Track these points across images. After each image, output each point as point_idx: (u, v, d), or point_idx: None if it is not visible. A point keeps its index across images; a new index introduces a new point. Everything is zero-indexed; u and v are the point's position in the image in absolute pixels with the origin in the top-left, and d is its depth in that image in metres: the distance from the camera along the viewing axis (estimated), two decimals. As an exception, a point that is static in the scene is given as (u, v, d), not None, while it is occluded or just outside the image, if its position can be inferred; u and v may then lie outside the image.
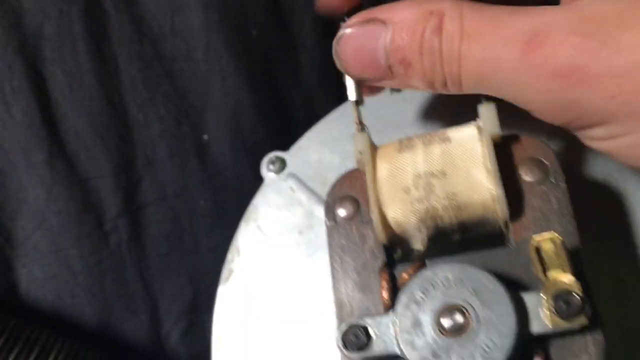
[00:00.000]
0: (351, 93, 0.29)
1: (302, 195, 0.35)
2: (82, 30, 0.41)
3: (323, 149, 0.35)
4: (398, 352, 0.24)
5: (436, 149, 0.26)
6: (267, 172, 0.36)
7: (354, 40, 0.27)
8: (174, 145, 0.42)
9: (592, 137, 0.26)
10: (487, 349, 0.23)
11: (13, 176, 0.41)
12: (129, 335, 0.43)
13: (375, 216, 0.26)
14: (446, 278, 0.24)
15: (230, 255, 0.35)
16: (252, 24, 0.43)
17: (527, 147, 0.26)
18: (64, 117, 0.41)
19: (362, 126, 0.28)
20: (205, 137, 0.43)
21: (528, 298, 0.24)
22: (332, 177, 0.32)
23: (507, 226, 0.26)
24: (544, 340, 0.24)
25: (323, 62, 0.44)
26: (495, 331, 0.23)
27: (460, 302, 0.24)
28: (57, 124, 0.41)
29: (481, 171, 0.25)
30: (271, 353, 0.32)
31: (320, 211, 0.34)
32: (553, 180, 0.25)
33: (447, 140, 0.26)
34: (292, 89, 0.44)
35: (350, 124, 0.30)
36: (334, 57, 0.28)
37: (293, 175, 0.35)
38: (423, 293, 0.24)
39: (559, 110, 0.25)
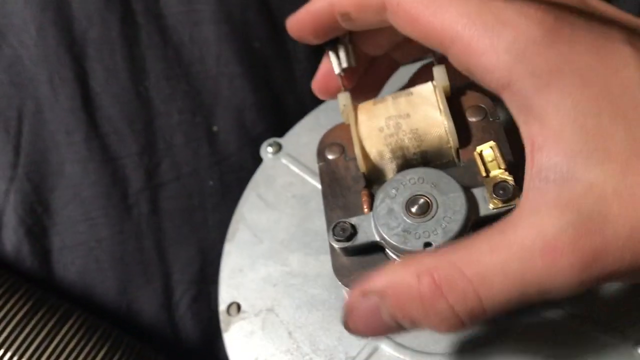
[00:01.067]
0: (335, 66, 0.33)
1: (296, 169, 0.38)
2: (118, 35, 0.45)
3: (312, 134, 0.39)
4: (377, 238, 0.28)
5: (402, 99, 0.31)
6: (265, 153, 0.40)
7: (360, 317, 0.27)
8: (189, 134, 0.46)
9: None
10: (445, 223, 0.27)
11: (55, 153, 0.44)
12: (144, 301, 0.46)
13: (357, 149, 0.31)
14: (412, 178, 0.29)
15: (234, 220, 0.38)
16: (255, 38, 0.47)
17: (471, 97, 0.31)
18: (100, 105, 0.45)
19: (345, 88, 0.33)
20: (215, 128, 0.46)
21: (475, 191, 0.28)
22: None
23: (457, 153, 0.30)
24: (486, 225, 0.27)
25: (312, 72, 0.45)
26: (451, 210, 0.28)
27: (424, 193, 0.28)
28: (94, 110, 0.45)
29: (436, 112, 0.30)
30: (275, 296, 0.35)
31: (311, 180, 0.38)
32: (491, 119, 0.30)
33: (410, 93, 0.31)
34: (287, 92, 0.47)
35: (332, 116, 0.35)
36: (344, 325, 0.27)
37: (288, 155, 0.39)
38: (395, 190, 0.29)
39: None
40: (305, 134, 0.40)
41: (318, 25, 0.31)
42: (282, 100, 0.47)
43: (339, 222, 0.29)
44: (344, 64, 0.33)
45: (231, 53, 0.46)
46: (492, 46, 0.25)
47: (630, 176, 0.22)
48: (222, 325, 0.35)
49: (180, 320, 0.46)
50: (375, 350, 0.32)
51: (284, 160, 0.39)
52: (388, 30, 0.29)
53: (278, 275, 0.35)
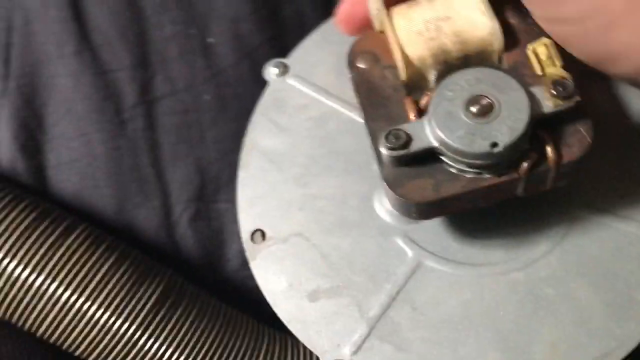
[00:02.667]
0: None
1: (308, 90, 0.36)
2: None
3: (320, 52, 0.37)
4: (436, 143, 0.27)
5: (439, 2, 0.29)
6: (270, 75, 0.37)
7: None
8: (183, 46, 0.44)
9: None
10: (510, 122, 0.26)
11: (46, 66, 0.43)
12: (142, 219, 0.45)
13: (398, 55, 0.29)
14: (468, 79, 0.27)
15: (246, 147, 0.36)
16: None
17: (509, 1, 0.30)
18: (91, 15, 0.43)
19: None
20: (210, 40, 0.44)
21: (533, 89, 0.27)
22: (330, 74, 0.36)
23: (501, 56, 0.29)
24: (546, 126, 0.27)
25: None
26: (515, 108, 0.26)
27: (484, 93, 0.26)
28: (85, 21, 0.43)
29: (478, 13, 0.29)
30: (302, 220, 0.34)
31: (326, 101, 0.36)
32: (530, 22, 0.29)
33: None
34: (285, 2, 0.46)
35: (339, 35, 0.32)
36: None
37: (296, 76, 0.37)
38: (451, 91, 0.27)
39: None
40: (313, 53, 0.38)
41: None
42: (280, 10, 0.46)
43: (391, 130, 0.27)
44: None
45: None
46: None
47: None
48: (248, 254, 0.33)
49: (181, 239, 0.46)
50: (418, 265, 0.31)
51: (292, 82, 0.37)
52: None
53: (303, 200, 0.34)
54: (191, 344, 0.41)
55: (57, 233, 0.41)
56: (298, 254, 0.32)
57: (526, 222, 0.31)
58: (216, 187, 0.46)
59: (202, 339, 0.41)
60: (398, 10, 0.30)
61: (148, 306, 0.41)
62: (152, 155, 0.44)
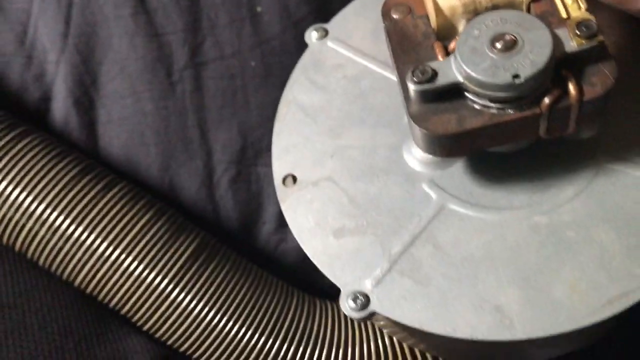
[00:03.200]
0: None
1: (345, 51, 0.38)
2: None
3: (358, 19, 0.39)
4: (460, 78, 0.28)
5: None
6: (311, 38, 0.40)
7: None
8: (233, 13, 0.46)
9: None
10: (532, 56, 0.27)
11: (104, 26, 0.45)
12: (185, 178, 0.47)
13: (429, 4, 0.30)
14: (494, 19, 0.28)
15: (283, 102, 0.38)
16: None
17: None
18: None
19: None
20: (259, 9, 0.46)
21: (557, 31, 0.28)
22: (366, 38, 0.38)
23: (528, 6, 0.29)
24: (570, 67, 0.27)
25: None
26: (538, 45, 0.27)
27: (508, 31, 0.27)
28: None
29: None
30: (332, 166, 0.35)
31: (361, 61, 0.38)
32: None
33: None
34: None
35: (377, 3, 0.33)
36: None
37: (335, 39, 0.39)
38: (477, 30, 0.28)
39: None
40: (352, 19, 0.40)
41: None
42: None
43: (417, 66, 0.28)
44: None
45: None
46: None
47: None
48: (279, 196, 0.35)
49: (221, 200, 0.47)
50: (441, 208, 0.32)
51: (331, 44, 0.39)
52: None
53: (334, 148, 0.35)
54: (222, 298, 0.42)
55: (97, 188, 0.43)
56: (326, 196, 0.34)
57: (552, 169, 0.32)
58: (257, 151, 0.47)
59: (233, 295, 0.43)
60: None
61: (181, 261, 0.42)
62: (198, 117, 0.46)
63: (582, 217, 0.30)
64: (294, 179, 0.35)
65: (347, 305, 0.30)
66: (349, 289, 0.31)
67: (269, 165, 0.47)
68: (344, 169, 0.34)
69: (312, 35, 0.39)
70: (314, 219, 0.33)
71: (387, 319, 0.31)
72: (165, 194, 0.47)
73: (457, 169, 0.33)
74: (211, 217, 0.48)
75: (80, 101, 0.46)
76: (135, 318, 0.43)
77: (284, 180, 0.35)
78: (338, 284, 0.31)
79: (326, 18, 0.45)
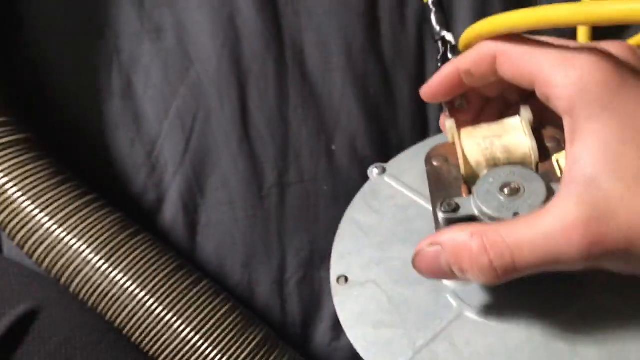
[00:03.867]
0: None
1: (397, 186, 0.45)
2: (272, 71, 0.54)
3: (411, 162, 0.46)
4: (476, 212, 0.35)
5: (495, 126, 0.39)
6: (372, 173, 0.46)
7: (424, 261, 0.34)
8: (313, 149, 0.55)
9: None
10: (530, 201, 0.34)
11: (215, 149, 0.53)
12: (262, 274, 0.54)
13: (460, 158, 0.38)
14: (505, 171, 0.36)
15: (345, 220, 0.44)
16: (371, 85, 0.56)
17: (549, 130, 0.39)
18: (253, 119, 0.54)
19: (450, 117, 0.41)
20: (333, 147, 0.55)
21: (552, 185, 0.35)
22: (416, 177, 0.44)
23: (537, 166, 0.37)
24: None
25: (413, 117, 0.56)
26: (535, 193, 0.34)
27: (514, 181, 0.35)
28: (248, 122, 0.53)
29: (523, 135, 0.37)
30: (377, 272, 0.40)
31: (410, 194, 0.44)
32: (563, 146, 0.36)
33: (502, 123, 0.39)
34: (391, 128, 0.56)
35: (427, 151, 0.41)
36: (412, 265, 0.35)
37: (391, 175, 0.46)
38: (492, 178, 0.36)
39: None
40: (406, 162, 0.47)
41: (447, 86, 0.38)
42: (386, 133, 0.56)
43: (445, 200, 0.36)
44: (457, 103, 0.42)
45: (352, 94, 0.55)
46: (562, 81, 0.31)
47: (635, 189, 0.29)
48: (333, 291, 0.40)
49: (288, 296, 0.54)
50: (459, 314, 0.37)
51: (387, 179, 0.46)
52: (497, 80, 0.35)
53: (380, 259, 0.41)
54: None
55: (188, 281, 0.50)
56: (370, 295, 0.40)
57: (548, 293, 0.38)
58: (322, 258, 0.55)
59: None
60: (465, 129, 0.41)
61: (248, 350, 0.49)
62: (279, 226, 0.54)
63: (571, 334, 0.36)
64: (346, 279, 0.41)
65: None
66: None
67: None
68: (386, 275, 0.41)
69: (373, 171, 0.46)
70: (358, 312, 0.40)
71: None
72: (245, 287, 0.55)
73: (476, 286, 0.39)
74: (278, 310, 0.55)
75: (187, 206, 0.54)
76: None
77: (338, 279, 0.42)
78: None
79: (384, 158, 0.53)
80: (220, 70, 0.54)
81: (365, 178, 0.55)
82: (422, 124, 0.58)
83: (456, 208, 0.36)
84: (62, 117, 0.54)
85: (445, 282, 0.40)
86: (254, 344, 0.50)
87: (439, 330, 0.38)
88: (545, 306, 0.38)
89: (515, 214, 0.35)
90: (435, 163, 0.40)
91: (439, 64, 0.41)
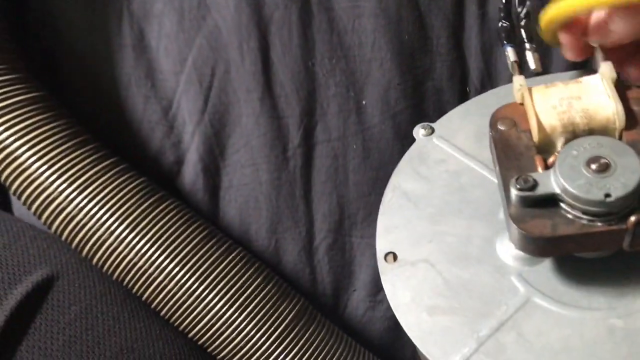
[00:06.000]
0: (511, 55, 0.38)
1: (449, 149, 0.41)
2: (296, 19, 0.48)
3: (462, 121, 0.42)
4: (558, 190, 0.31)
5: (573, 85, 0.34)
6: (419, 134, 0.42)
7: None
8: (342, 104, 0.50)
9: None
10: (624, 180, 0.30)
11: (235, 106, 0.49)
12: (289, 241, 0.51)
13: (533, 122, 0.33)
14: (591, 143, 0.32)
15: (389, 188, 0.40)
16: (405, 31, 0.50)
17: (634, 91, 0.34)
18: (276, 72, 0.49)
19: (519, 71, 0.36)
20: (364, 101, 0.51)
21: None
22: (469, 139, 0.41)
23: (621, 133, 0.33)
24: None
25: (451, 66, 0.52)
26: (629, 170, 0.30)
27: (603, 155, 0.31)
28: (271, 76, 0.49)
29: (605, 97, 0.33)
30: (430, 250, 0.37)
31: (463, 159, 0.40)
32: None
33: (579, 82, 0.35)
34: (427, 79, 0.51)
35: (480, 108, 0.38)
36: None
37: (440, 137, 0.42)
38: (576, 151, 0.31)
39: None
40: (457, 121, 0.43)
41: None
42: (421, 85, 0.51)
43: (521, 175, 0.32)
44: (532, 66, 0.37)
45: (384, 42, 0.50)
46: None
47: None
48: (380, 270, 0.37)
49: (318, 264, 0.51)
50: (527, 300, 0.34)
51: (436, 141, 0.42)
52: None
53: (432, 234, 0.38)
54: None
55: (220, 251, 0.47)
56: (423, 276, 0.36)
57: (630, 277, 0.34)
58: (352, 223, 0.51)
59: (329, 357, 0.46)
60: (537, 88, 0.35)
61: (285, 322, 0.46)
62: (305, 189, 0.50)
63: None
64: (395, 256, 0.38)
65: None
66: None
67: (362, 236, 0.51)
68: (440, 253, 0.37)
69: (419, 132, 0.42)
70: (410, 295, 0.36)
71: None
72: (271, 254, 0.51)
73: (544, 267, 0.35)
74: (308, 279, 0.51)
75: (208, 167, 0.50)
76: None
77: (385, 257, 0.38)
78: (429, 357, 0.34)
79: (420, 113, 0.50)
80: (239, 18, 0.49)
81: (398, 135, 0.50)
82: (461, 74, 0.52)
83: (534, 185, 0.31)
84: (71, 75, 0.51)
85: (510, 262, 0.36)
86: (291, 316, 0.47)
87: (505, 318, 0.34)
88: (624, 291, 0.34)
89: (607, 195, 0.30)
90: (501, 127, 0.35)
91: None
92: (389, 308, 0.51)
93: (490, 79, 0.52)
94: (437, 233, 0.38)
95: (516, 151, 0.34)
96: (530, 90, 0.35)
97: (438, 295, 0.36)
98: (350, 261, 0.51)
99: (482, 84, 0.52)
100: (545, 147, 0.34)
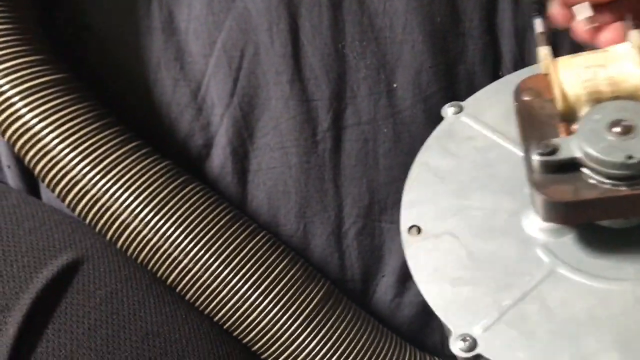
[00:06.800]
0: (538, 27, 0.36)
1: (477, 126, 0.41)
2: (326, 1, 0.48)
3: (490, 100, 0.42)
4: (579, 154, 0.30)
5: (599, 54, 0.33)
6: (447, 113, 0.42)
7: None
8: (372, 87, 0.49)
9: None
10: None
11: (265, 89, 0.49)
12: (318, 225, 0.50)
13: (556, 90, 0.33)
14: (614, 106, 0.31)
15: (416, 164, 0.40)
16: (437, 14, 0.49)
17: None
18: (306, 55, 0.48)
19: (546, 42, 0.35)
20: (395, 84, 0.50)
21: None
22: (498, 117, 0.40)
23: None
24: None
25: (484, 49, 0.50)
26: None
27: (626, 118, 0.30)
28: (300, 58, 0.48)
29: (633, 65, 0.32)
30: (455, 223, 0.37)
31: (491, 136, 0.40)
32: None
33: (606, 51, 0.34)
34: (459, 62, 0.50)
35: (509, 88, 0.36)
36: None
37: (469, 115, 0.41)
38: (598, 115, 0.31)
39: None
40: (485, 100, 0.42)
41: None
42: (453, 68, 0.50)
43: (542, 140, 0.31)
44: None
45: (416, 24, 0.49)
46: None
47: None
48: (404, 243, 0.37)
49: (347, 249, 0.50)
50: (552, 271, 0.33)
51: (464, 119, 0.41)
52: None
53: (458, 207, 0.37)
54: (343, 346, 0.45)
55: (244, 234, 0.47)
56: (447, 248, 0.36)
57: None
58: (382, 208, 0.50)
59: (354, 342, 0.45)
60: (562, 59, 0.34)
61: (311, 306, 0.45)
62: (334, 173, 0.50)
63: None
64: (419, 229, 0.37)
65: (456, 346, 0.32)
66: (460, 331, 0.32)
67: (392, 221, 0.50)
68: (465, 226, 0.36)
69: (448, 110, 0.42)
70: (434, 267, 0.35)
71: None
72: (299, 239, 0.50)
73: (570, 239, 0.34)
74: (336, 264, 0.50)
75: (236, 151, 0.50)
76: (265, 355, 0.46)
77: (409, 230, 0.37)
78: (449, 326, 0.33)
79: (452, 96, 0.49)
80: (269, 0, 0.49)
81: (430, 117, 0.49)
82: (494, 58, 0.51)
83: (555, 150, 0.30)
84: (99, 57, 0.51)
85: (535, 234, 0.35)
86: (317, 299, 0.46)
87: (529, 288, 0.33)
88: None
89: (630, 157, 0.29)
90: (525, 97, 0.35)
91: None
92: (417, 294, 0.50)
93: (524, 63, 0.50)
94: (462, 207, 0.37)
95: (539, 120, 0.33)
96: (555, 60, 0.34)
97: (461, 267, 0.35)
98: (379, 247, 0.50)
99: (515, 68, 0.50)
100: (569, 116, 0.33)
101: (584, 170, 0.30)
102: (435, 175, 0.39)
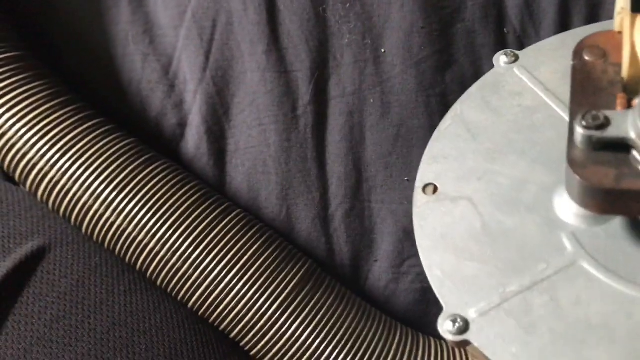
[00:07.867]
0: None
1: (528, 82, 0.36)
2: None
3: (552, 54, 0.38)
4: (633, 135, 0.26)
5: None
6: (499, 62, 0.38)
7: None
8: (357, 54, 0.45)
9: None
10: None
11: (239, 61, 0.45)
12: (302, 208, 0.47)
13: (626, 54, 0.28)
14: None
15: (450, 114, 0.36)
16: None
17: None
18: (283, 21, 0.45)
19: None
20: (383, 50, 0.45)
21: None
22: (556, 74, 0.36)
23: None
24: None
25: (485, 4, 0.45)
26: None
27: None
28: (277, 26, 0.45)
29: None
30: (477, 188, 0.33)
31: (542, 95, 0.36)
32: None
33: None
34: (456, 21, 0.45)
35: (562, 50, 0.34)
36: None
37: (522, 67, 0.37)
38: None
39: None
40: (546, 53, 0.38)
41: None
42: (449, 27, 0.46)
43: (590, 111, 0.26)
44: None
45: None
46: None
47: None
48: (415, 199, 0.33)
49: (334, 233, 0.46)
50: (573, 263, 0.29)
51: (517, 71, 0.37)
52: None
53: (484, 171, 0.33)
54: (327, 327, 0.42)
55: (216, 212, 0.43)
56: (461, 214, 0.32)
57: None
58: (371, 187, 0.46)
59: (338, 324, 0.42)
60: None
61: (289, 288, 0.42)
62: (318, 150, 0.46)
63: None
64: (435, 189, 0.33)
65: (444, 326, 0.28)
66: (452, 310, 0.29)
67: (383, 201, 0.46)
68: (487, 193, 0.32)
69: (500, 59, 0.38)
70: (441, 234, 0.32)
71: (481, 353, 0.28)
72: (282, 223, 0.47)
73: (604, 231, 0.30)
74: (324, 249, 0.47)
75: (212, 130, 0.46)
76: (244, 342, 0.43)
77: (424, 188, 0.34)
78: (442, 302, 0.29)
79: (448, 61, 0.45)
80: None
81: (422, 86, 0.46)
82: (497, 13, 0.46)
83: (605, 124, 0.26)
84: (64, 33, 0.48)
85: (565, 217, 0.31)
86: (295, 280, 0.43)
87: (541, 278, 0.29)
88: None
89: None
90: (587, 57, 0.30)
91: None
92: (414, 280, 0.46)
93: (532, 18, 0.45)
94: (489, 171, 0.33)
95: (597, 86, 0.29)
96: (634, 16, 0.29)
97: (472, 239, 0.31)
98: (370, 229, 0.46)
99: (522, 25, 0.45)
100: (634, 87, 0.28)
101: (635, 153, 0.26)
102: (468, 130, 0.35)
